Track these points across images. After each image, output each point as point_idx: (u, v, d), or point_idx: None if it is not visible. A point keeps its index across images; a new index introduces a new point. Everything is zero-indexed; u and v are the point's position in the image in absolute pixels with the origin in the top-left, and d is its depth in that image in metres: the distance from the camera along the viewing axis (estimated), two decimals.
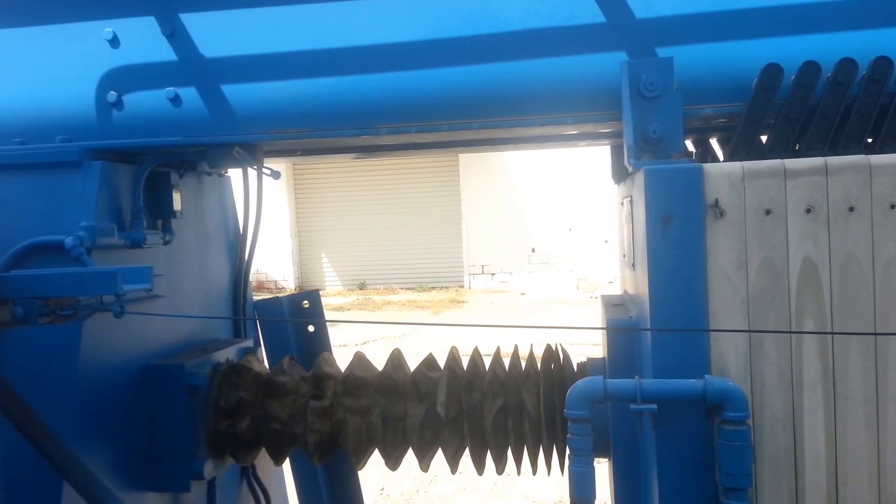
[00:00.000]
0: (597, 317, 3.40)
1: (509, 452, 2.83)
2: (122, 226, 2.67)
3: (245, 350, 3.23)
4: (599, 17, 2.48)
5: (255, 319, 3.48)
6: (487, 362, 2.90)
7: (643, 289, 2.27)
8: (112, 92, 2.72)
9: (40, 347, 2.43)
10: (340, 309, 16.02)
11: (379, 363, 3.04)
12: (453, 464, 2.88)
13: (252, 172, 3.18)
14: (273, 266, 19.41)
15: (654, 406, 2.08)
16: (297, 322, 3.38)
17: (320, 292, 3.63)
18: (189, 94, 2.69)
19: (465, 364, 2.90)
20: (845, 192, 2.08)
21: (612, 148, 3.26)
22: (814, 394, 2.11)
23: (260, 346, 3.45)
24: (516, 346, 2.96)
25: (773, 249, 2.10)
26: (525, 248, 18.78)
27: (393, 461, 2.92)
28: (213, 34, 2.67)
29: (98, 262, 2.48)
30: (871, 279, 2.08)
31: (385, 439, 2.86)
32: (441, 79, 2.57)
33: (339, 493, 3.42)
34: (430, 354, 3.00)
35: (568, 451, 2.25)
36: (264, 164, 3.02)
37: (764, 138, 2.39)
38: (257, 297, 3.62)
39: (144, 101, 2.72)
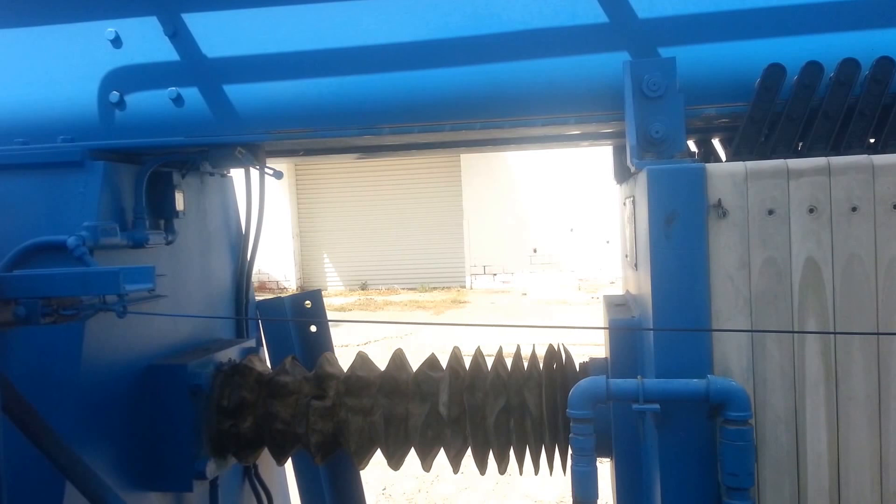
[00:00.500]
0: (599, 317, 3.40)
1: (511, 452, 2.83)
2: (124, 226, 2.67)
3: (247, 350, 3.23)
4: (602, 17, 2.48)
5: (258, 319, 3.48)
6: (489, 362, 2.90)
7: (646, 289, 2.27)
8: (114, 92, 2.72)
9: (43, 347, 2.43)
10: (342, 309, 16.02)
11: (381, 363, 3.04)
12: (455, 464, 2.88)
13: (254, 172, 3.19)
14: (275, 266, 19.43)
15: (657, 406, 2.09)
16: (299, 322, 3.39)
17: (322, 292, 3.63)
18: (191, 94, 2.69)
19: (467, 364, 2.90)
20: (848, 192, 2.08)
21: (614, 148, 3.26)
22: (816, 393, 2.10)
23: (262, 346, 3.46)
24: (518, 346, 2.96)
25: (776, 249, 2.10)
26: (527, 249, 18.78)
27: (395, 461, 2.92)
28: (216, 34, 2.67)
29: (100, 262, 2.48)
30: (874, 279, 2.08)
31: (387, 439, 2.86)
32: (444, 79, 2.57)
33: (342, 493, 3.42)
34: (433, 354, 3.00)
35: (570, 451, 2.25)
36: (266, 164, 3.02)
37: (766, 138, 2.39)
38: (259, 297, 3.62)
39: (147, 101, 2.73)
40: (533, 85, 2.54)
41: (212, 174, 3.29)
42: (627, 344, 2.48)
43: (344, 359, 3.04)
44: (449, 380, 2.83)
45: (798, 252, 2.09)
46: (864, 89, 2.27)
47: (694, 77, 2.40)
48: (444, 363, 2.94)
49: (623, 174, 3.11)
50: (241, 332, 3.49)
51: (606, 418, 2.51)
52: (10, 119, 2.78)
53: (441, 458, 2.94)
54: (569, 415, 2.18)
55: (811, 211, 2.09)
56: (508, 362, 2.90)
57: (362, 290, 19.43)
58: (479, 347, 2.97)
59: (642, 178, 2.23)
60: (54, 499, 2.36)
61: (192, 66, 2.68)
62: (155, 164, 2.81)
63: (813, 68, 2.27)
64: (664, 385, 2.10)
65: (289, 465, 3.34)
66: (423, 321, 13.74)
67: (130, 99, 2.73)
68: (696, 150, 2.83)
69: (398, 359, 3.00)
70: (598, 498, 2.19)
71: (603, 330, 2.73)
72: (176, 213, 2.91)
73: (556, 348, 2.88)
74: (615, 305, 2.91)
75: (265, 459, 3.23)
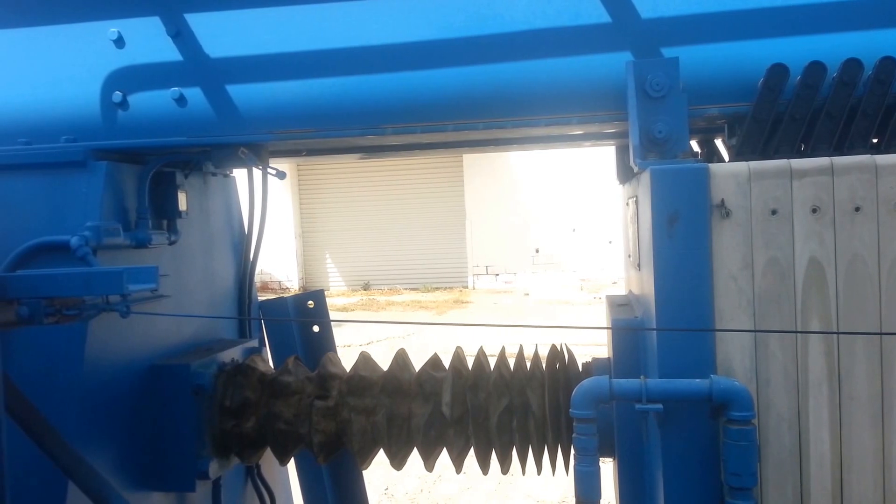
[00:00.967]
0: (601, 317, 3.39)
1: (514, 452, 2.83)
2: (127, 226, 2.67)
3: (250, 350, 3.24)
4: (605, 18, 2.48)
5: (261, 319, 3.48)
6: (492, 363, 2.90)
7: (649, 289, 2.27)
8: (117, 92, 2.73)
9: (46, 347, 2.44)
10: (344, 309, 16.03)
11: (383, 363, 3.04)
12: (458, 463, 2.88)
13: (257, 172, 3.19)
14: (277, 266, 19.44)
15: (660, 406, 2.08)
16: (302, 322, 3.39)
17: (324, 293, 3.63)
18: (194, 95, 2.69)
19: (469, 364, 2.90)
20: (851, 192, 2.08)
21: (617, 148, 3.25)
22: (819, 394, 2.10)
23: (265, 346, 3.46)
24: (521, 345, 2.96)
25: (779, 249, 2.10)
26: (529, 249, 18.78)
27: (398, 461, 2.92)
28: (219, 34, 2.67)
29: (103, 262, 2.49)
30: (877, 279, 2.07)
31: (390, 439, 2.86)
32: (447, 79, 2.57)
33: (344, 493, 3.42)
34: (435, 354, 3.00)
35: (573, 451, 2.25)
36: (269, 165, 3.02)
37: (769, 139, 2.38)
38: (261, 297, 3.63)
39: (149, 102, 2.73)
40: (536, 85, 2.54)
41: (215, 174, 3.29)
42: (630, 344, 2.48)
43: (346, 359, 3.04)
44: (452, 380, 2.83)
45: (801, 252, 2.09)
46: (868, 89, 2.27)
47: (697, 77, 2.40)
48: (446, 363, 2.94)
49: (626, 174, 3.11)
50: (243, 332, 3.49)
51: (608, 418, 2.51)
52: (14, 119, 2.79)
53: (444, 458, 2.94)
54: (572, 415, 2.18)
55: (814, 211, 2.09)
56: (511, 362, 2.89)
57: (365, 290, 19.44)
58: (481, 347, 2.97)
59: (645, 178, 2.23)
60: (57, 499, 2.36)
61: (194, 66, 2.68)
62: (158, 164, 2.81)
63: (816, 68, 2.27)
64: (667, 385, 2.10)
65: (291, 465, 3.35)
66: (425, 321, 13.75)
67: (133, 99, 2.73)
68: (699, 151, 2.83)
69: (401, 359, 3.00)
70: (601, 498, 2.19)
71: (606, 330, 2.73)
72: (179, 214, 2.91)
73: (558, 348, 2.88)
74: (618, 305, 2.91)
75: (268, 459, 3.23)
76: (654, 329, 2.18)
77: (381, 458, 3.00)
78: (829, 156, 2.14)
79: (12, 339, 2.34)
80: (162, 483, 2.78)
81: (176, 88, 2.69)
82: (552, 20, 2.51)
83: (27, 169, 2.61)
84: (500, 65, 2.55)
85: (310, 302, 3.45)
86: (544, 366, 2.84)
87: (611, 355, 2.64)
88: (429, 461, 2.89)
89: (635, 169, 2.39)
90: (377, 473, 5.78)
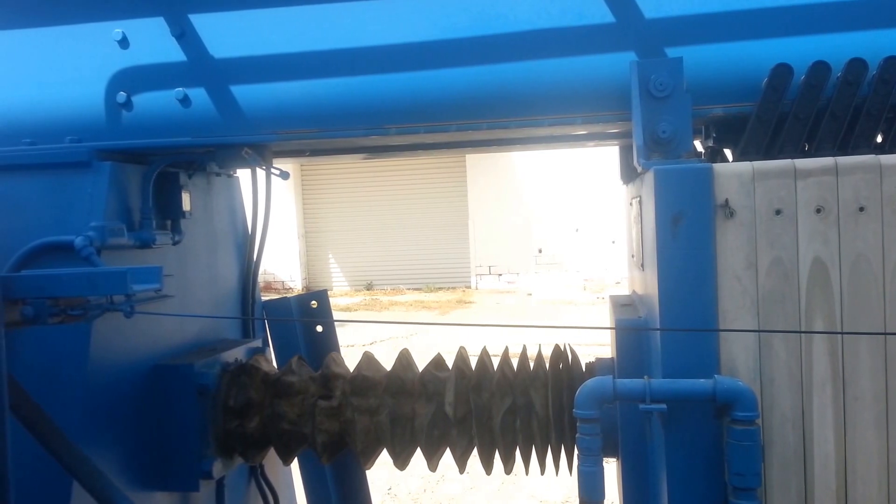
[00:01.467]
0: (604, 317, 3.39)
1: (517, 452, 2.83)
2: (131, 226, 2.68)
3: (254, 350, 3.24)
4: (609, 18, 2.48)
5: (264, 319, 3.49)
6: (495, 363, 2.90)
7: (652, 289, 2.27)
8: (121, 92, 2.73)
9: (50, 347, 2.44)
10: (348, 309, 16.04)
11: (386, 364, 3.05)
12: (461, 463, 2.88)
13: (261, 173, 3.19)
14: (280, 267, 19.46)
15: (664, 406, 2.08)
16: (305, 322, 3.39)
17: (328, 293, 3.63)
18: (198, 95, 2.70)
19: (473, 364, 2.90)
20: (855, 192, 2.07)
21: (620, 148, 3.25)
22: (823, 394, 2.10)
23: (268, 346, 3.46)
24: (524, 345, 2.96)
25: (783, 249, 2.10)
26: (532, 249, 18.77)
27: (401, 461, 2.92)
28: (223, 35, 2.68)
29: (107, 262, 2.49)
30: (882, 279, 2.07)
31: (393, 439, 2.86)
32: (450, 79, 2.57)
33: (348, 493, 3.42)
34: (439, 354, 3.00)
35: (576, 451, 2.25)
36: (273, 165, 3.02)
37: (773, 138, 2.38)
38: (265, 297, 3.63)
39: (154, 102, 2.73)
40: (539, 85, 2.54)
41: (218, 174, 3.30)
42: (634, 344, 2.48)
43: (349, 359, 3.05)
44: (455, 380, 2.83)
45: (805, 252, 2.09)
46: (872, 89, 2.26)
47: (701, 77, 2.40)
48: (450, 363, 2.94)
49: (629, 174, 3.10)
50: (247, 332, 3.49)
51: (612, 419, 2.51)
52: (18, 119, 2.79)
53: (447, 458, 2.94)
54: (575, 415, 2.18)
55: (818, 211, 2.08)
56: (514, 363, 2.90)
57: (367, 290, 19.45)
58: (484, 347, 2.97)
59: (649, 178, 2.23)
60: (61, 498, 2.37)
61: (199, 66, 2.69)
62: (162, 164, 2.81)
63: (820, 68, 2.27)
64: (671, 385, 2.10)
65: (294, 465, 3.35)
66: (428, 321, 13.74)
67: (138, 99, 2.74)
68: (703, 151, 2.82)
69: (404, 359, 3.00)
70: (604, 498, 2.19)
71: (609, 330, 2.73)
72: (183, 214, 2.92)
73: (562, 348, 2.88)
74: (621, 305, 2.91)
75: (271, 459, 3.23)
76: (658, 329, 2.18)
77: (384, 458, 3.01)
78: (834, 156, 2.14)
79: (17, 339, 2.35)
80: (165, 483, 2.78)
81: (180, 89, 2.70)
82: (556, 20, 2.51)
83: (32, 169, 2.62)
84: (504, 65, 2.55)
85: (313, 302, 3.46)
86: (548, 366, 2.84)
87: (614, 355, 2.64)
88: (432, 461, 2.89)
89: (639, 169, 2.39)
90: (380, 473, 5.78)
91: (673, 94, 2.30)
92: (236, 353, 3.07)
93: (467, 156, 17.20)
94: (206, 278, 3.19)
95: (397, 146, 3.23)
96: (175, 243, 2.91)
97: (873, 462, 2.09)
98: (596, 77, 2.51)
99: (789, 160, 2.13)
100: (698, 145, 2.82)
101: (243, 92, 2.68)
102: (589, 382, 2.19)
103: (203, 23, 2.68)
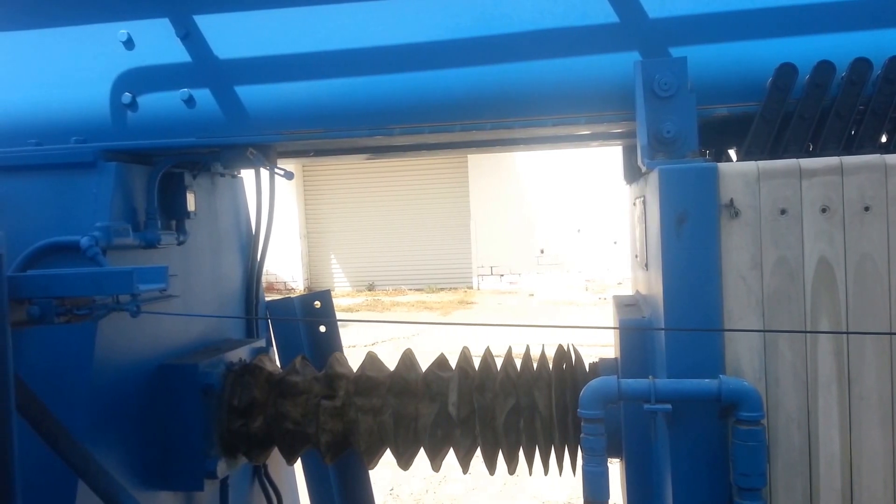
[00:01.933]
0: (607, 318, 3.39)
1: (521, 452, 2.83)
2: (136, 226, 2.69)
3: (258, 350, 3.24)
4: (612, 17, 2.48)
5: (268, 319, 3.49)
6: (498, 363, 2.90)
7: (657, 289, 2.27)
8: (127, 93, 2.74)
9: (56, 347, 2.45)
10: (350, 310, 16.04)
11: (388, 364, 3.05)
12: (465, 464, 2.88)
13: (264, 173, 3.20)
14: (282, 267, 19.46)
15: (669, 406, 2.08)
16: (309, 322, 3.39)
17: (331, 293, 3.64)
18: (203, 96, 2.70)
19: (476, 364, 2.90)
20: (861, 191, 2.07)
21: (624, 148, 3.25)
22: (829, 394, 2.10)
23: (272, 346, 3.47)
24: (528, 346, 2.96)
25: (788, 249, 2.10)
26: (534, 250, 18.76)
27: (405, 461, 2.92)
28: (227, 35, 2.68)
29: (112, 262, 2.50)
30: (887, 279, 2.07)
31: (397, 439, 2.86)
32: (454, 79, 2.58)
33: (351, 493, 3.42)
34: (442, 354, 3.00)
35: (580, 452, 2.25)
36: (277, 165, 3.03)
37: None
38: (267, 297, 3.64)
39: (159, 103, 2.74)
40: (543, 85, 2.54)
41: (223, 175, 3.30)
42: (638, 344, 2.48)
43: (352, 359, 3.05)
44: (458, 380, 2.83)
45: (810, 252, 2.09)
46: (877, 89, 2.26)
47: (705, 77, 2.40)
48: (452, 364, 2.95)
49: (633, 174, 3.10)
50: (251, 332, 3.50)
51: (616, 419, 2.51)
52: (24, 120, 2.80)
53: (450, 458, 2.94)
54: (580, 415, 2.18)
55: (823, 210, 2.08)
56: (517, 363, 2.90)
57: (369, 290, 19.45)
58: (488, 347, 2.97)
59: (653, 177, 2.23)
60: (67, 497, 2.38)
61: (203, 67, 2.69)
62: (167, 164, 2.82)
63: (825, 67, 2.27)
64: (676, 385, 2.10)
65: (298, 465, 3.35)
66: (431, 321, 13.75)
67: (143, 100, 2.74)
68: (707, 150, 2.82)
69: (407, 359, 3.00)
70: (609, 498, 2.19)
71: (612, 330, 2.73)
72: (187, 214, 2.93)
73: (565, 349, 2.88)
74: (625, 306, 2.91)
75: (275, 459, 3.24)
76: (662, 329, 2.18)
77: (386, 458, 3.01)
78: (839, 155, 2.14)
79: (23, 339, 2.35)
80: (170, 482, 2.79)
81: (185, 90, 2.71)
82: (560, 20, 2.52)
83: (38, 170, 2.62)
84: (508, 65, 2.55)
85: (316, 302, 3.46)
86: (551, 366, 2.84)
87: (618, 356, 2.64)
88: (435, 461, 2.89)
89: (643, 169, 2.39)
90: (382, 474, 5.78)
91: (677, 93, 2.30)
92: (240, 353, 3.08)
93: (469, 156, 17.21)
94: (211, 278, 3.20)
95: (401, 146, 3.23)
96: (180, 243, 2.92)
97: (879, 462, 2.09)
98: (600, 77, 2.52)
99: (794, 160, 2.13)
100: None
101: (248, 92, 2.68)
102: (593, 382, 2.19)
103: (208, 24, 2.69)
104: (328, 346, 3.41)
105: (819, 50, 2.34)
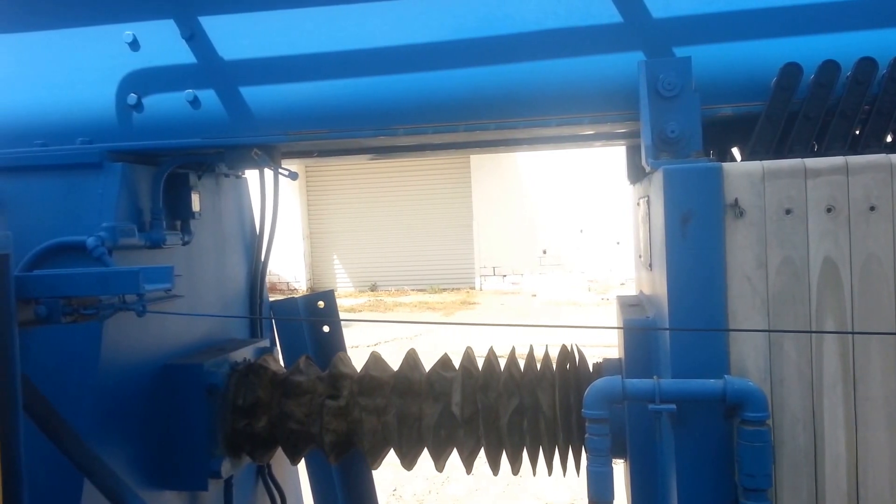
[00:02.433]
0: (609, 318, 3.39)
1: (524, 453, 2.83)
2: (142, 226, 2.70)
3: (262, 350, 3.25)
4: (616, 17, 2.48)
5: (272, 319, 3.50)
6: (501, 363, 2.90)
7: (661, 289, 2.27)
8: (132, 94, 2.75)
9: (62, 347, 2.46)
10: (352, 310, 16.05)
11: (392, 364, 3.05)
12: (468, 464, 2.88)
13: (268, 173, 3.20)
14: (285, 267, 19.48)
15: (673, 406, 2.08)
16: (312, 322, 3.40)
17: (334, 293, 3.64)
18: (208, 97, 2.71)
19: (479, 364, 2.90)
20: (866, 191, 2.07)
21: (627, 148, 3.25)
22: (834, 394, 2.10)
23: (276, 346, 3.47)
24: (531, 346, 2.96)
25: (794, 249, 2.09)
26: (536, 250, 18.76)
27: (408, 461, 2.92)
28: (232, 36, 2.69)
29: (118, 262, 2.51)
30: (893, 279, 2.07)
31: (401, 439, 2.86)
32: (458, 80, 2.58)
33: (354, 493, 3.42)
34: (446, 354, 3.00)
35: (584, 452, 2.24)
36: (281, 166, 3.03)
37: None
38: (270, 298, 3.64)
39: (164, 104, 2.75)
40: (547, 85, 2.54)
41: (227, 175, 3.31)
42: (642, 344, 2.48)
43: (355, 360, 3.05)
44: (462, 380, 2.83)
45: (816, 252, 2.09)
46: (882, 88, 2.26)
47: (709, 76, 2.40)
48: (456, 364, 2.95)
49: (637, 174, 3.10)
50: (255, 331, 3.51)
51: (620, 419, 2.51)
52: (30, 121, 2.81)
53: (453, 458, 2.94)
54: (584, 415, 2.18)
55: (829, 210, 2.08)
56: (521, 363, 2.90)
57: (372, 291, 19.46)
58: (491, 347, 2.97)
59: (658, 177, 2.23)
60: (73, 496, 2.38)
61: (208, 68, 2.70)
62: (172, 165, 2.83)
63: (830, 67, 2.27)
64: (681, 385, 2.10)
65: (302, 465, 3.35)
66: (434, 321, 13.74)
67: (148, 101, 2.75)
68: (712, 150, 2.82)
69: (411, 359, 3.00)
70: (613, 499, 2.19)
71: (616, 330, 2.73)
72: (192, 214, 2.94)
73: (569, 349, 2.88)
74: (629, 306, 2.91)
75: (278, 459, 3.24)
76: (667, 329, 2.18)
77: (389, 458, 3.01)
78: (844, 155, 2.13)
79: (30, 339, 2.36)
80: (174, 482, 2.80)
81: (190, 90, 2.71)
82: (563, 20, 2.52)
83: (44, 170, 2.63)
84: (512, 65, 2.55)
85: (320, 302, 3.47)
86: (555, 366, 2.84)
87: (622, 356, 2.64)
88: (439, 461, 2.89)
89: (647, 169, 2.39)
90: (385, 474, 5.79)
91: (681, 93, 2.30)
92: (244, 353, 3.08)
93: (472, 157, 17.21)
94: (215, 278, 3.20)
95: (405, 147, 3.23)
96: (185, 244, 2.92)
97: (884, 462, 2.09)
98: (604, 77, 2.52)
99: (799, 159, 2.13)
100: None
101: (253, 93, 2.69)
102: (598, 382, 2.19)
103: (213, 25, 2.70)
104: (332, 346, 3.42)
105: (824, 49, 2.33)
